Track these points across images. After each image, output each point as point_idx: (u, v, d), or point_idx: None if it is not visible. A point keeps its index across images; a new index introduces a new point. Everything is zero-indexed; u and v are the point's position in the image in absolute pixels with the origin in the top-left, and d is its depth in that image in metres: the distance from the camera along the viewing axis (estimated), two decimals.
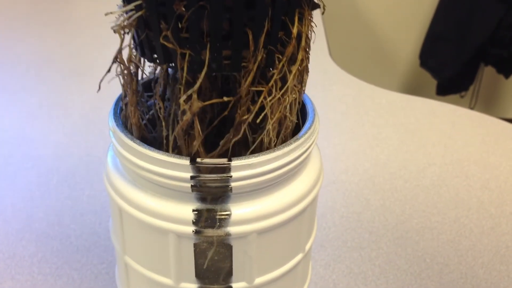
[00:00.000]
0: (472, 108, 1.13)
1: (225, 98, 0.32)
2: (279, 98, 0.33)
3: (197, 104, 0.32)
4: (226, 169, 0.32)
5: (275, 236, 0.35)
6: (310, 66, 0.35)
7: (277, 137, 0.34)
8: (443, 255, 0.55)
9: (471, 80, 1.69)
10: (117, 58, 0.33)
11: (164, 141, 0.35)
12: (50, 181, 0.63)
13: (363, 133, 0.74)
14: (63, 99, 0.81)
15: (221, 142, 0.33)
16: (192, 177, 0.32)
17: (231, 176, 0.32)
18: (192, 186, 0.32)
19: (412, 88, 1.91)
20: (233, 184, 0.32)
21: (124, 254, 0.38)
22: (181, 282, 0.36)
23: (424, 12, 1.75)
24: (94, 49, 0.98)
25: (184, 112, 0.32)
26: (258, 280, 0.36)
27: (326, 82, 0.88)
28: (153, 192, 0.34)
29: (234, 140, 0.33)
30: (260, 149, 0.34)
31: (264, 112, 0.33)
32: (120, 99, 0.38)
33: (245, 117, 0.32)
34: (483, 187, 0.65)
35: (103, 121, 0.75)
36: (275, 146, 0.34)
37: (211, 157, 0.34)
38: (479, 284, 0.52)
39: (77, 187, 0.62)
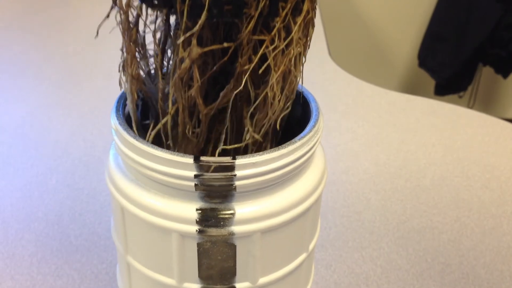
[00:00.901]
0: (470, 108, 1.12)
1: (226, 44, 0.31)
2: (283, 50, 0.31)
3: (196, 50, 0.31)
4: (230, 168, 0.31)
5: (279, 235, 0.35)
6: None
7: (281, 93, 0.33)
8: (444, 255, 0.55)
9: (469, 80, 1.69)
10: (116, 2, 0.32)
11: (160, 95, 0.34)
12: (49, 181, 0.63)
13: (363, 133, 0.74)
14: (62, 98, 0.81)
15: (222, 94, 0.32)
16: (196, 176, 0.32)
17: (235, 175, 0.32)
18: (195, 184, 0.32)
19: (410, 88, 1.92)
20: (237, 183, 0.32)
21: (126, 254, 0.38)
22: (184, 282, 0.36)
23: (423, 12, 1.75)
24: (93, 49, 0.97)
25: (182, 60, 0.31)
26: (262, 280, 0.36)
27: (325, 81, 0.88)
28: (156, 191, 0.34)
29: (235, 91, 0.32)
30: (264, 104, 0.33)
31: (267, 63, 0.32)
32: (121, 97, 0.37)
33: (246, 67, 0.31)
34: (484, 187, 0.65)
35: (103, 121, 0.75)
36: (279, 101, 0.33)
37: (210, 109, 0.33)
38: (481, 284, 0.52)
39: (77, 186, 0.62)
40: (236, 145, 0.35)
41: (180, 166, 0.32)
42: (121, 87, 0.36)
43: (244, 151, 0.37)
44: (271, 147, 0.37)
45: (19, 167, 0.65)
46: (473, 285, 0.52)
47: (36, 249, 0.54)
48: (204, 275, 0.35)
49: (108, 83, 0.85)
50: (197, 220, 0.33)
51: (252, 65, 0.31)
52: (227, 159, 0.32)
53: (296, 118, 0.40)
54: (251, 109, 0.33)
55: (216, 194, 0.33)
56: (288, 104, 0.36)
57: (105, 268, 0.52)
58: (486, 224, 0.59)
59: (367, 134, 0.74)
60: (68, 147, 0.69)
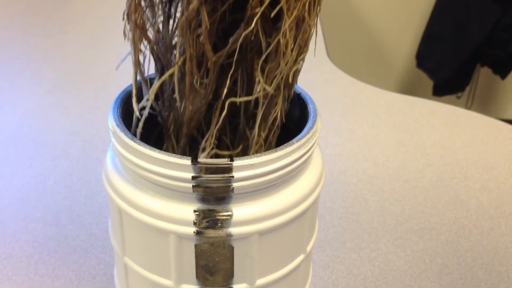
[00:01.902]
0: (468, 109, 1.12)
1: None
2: None
3: None
4: (228, 169, 0.31)
5: (277, 237, 0.35)
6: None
7: (294, 42, 0.32)
8: (442, 256, 0.55)
9: (467, 81, 1.69)
10: None
11: (164, 41, 0.32)
12: (47, 182, 0.63)
13: (361, 133, 0.74)
14: (61, 99, 0.81)
15: (231, 39, 0.31)
16: (193, 177, 0.32)
17: (233, 176, 0.32)
18: (193, 186, 0.32)
19: (408, 89, 1.92)
20: (235, 185, 0.32)
21: (124, 255, 0.38)
22: (182, 284, 0.36)
23: (421, 13, 1.76)
24: (91, 49, 0.97)
25: (190, 1, 0.29)
26: (260, 282, 0.36)
27: (324, 82, 0.88)
28: (153, 193, 0.34)
29: (245, 32, 0.30)
30: (276, 54, 0.31)
31: (279, 6, 0.30)
32: (119, 98, 0.37)
33: (258, 9, 0.30)
34: (482, 187, 0.65)
35: (100, 121, 0.75)
36: (291, 51, 0.32)
37: (219, 57, 0.31)
38: (479, 285, 0.52)
39: (74, 187, 0.62)
40: (246, 98, 0.34)
41: (178, 168, 0.32)
42: (125, 37, 0.34)
43: (244, 152, 0.37)
44: (282, 104, 0.35)
45: (17, 167, 0.65)
46: (471, 286, 0.52)
47: (33, 250, 0.53)
48: (201, 276, 0.35)
49: (107, 84, 0.85)
50: (195, 221, 0.33)
51: (264, 5, 0.30)
52: (224, 161, 0.31)
53: (294, 120, 0.40)
54: (262, 58, 0.32)
55: (213, 196, 0.33)
56: (301, 57, 0.34)
57: (102, 269, 0.52)
58: (484, 225, 0.59)
59: (365, 135, 0.74)
60: (66, 148, 0.69)
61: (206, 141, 0.35)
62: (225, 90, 0.33)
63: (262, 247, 0.35)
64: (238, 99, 0.34)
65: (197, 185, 0.32)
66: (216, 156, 0.37)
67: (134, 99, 0.35)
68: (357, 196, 0.62)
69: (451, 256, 0.55)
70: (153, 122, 0.39)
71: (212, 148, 0.36)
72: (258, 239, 0.34)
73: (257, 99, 0.35)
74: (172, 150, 0.37)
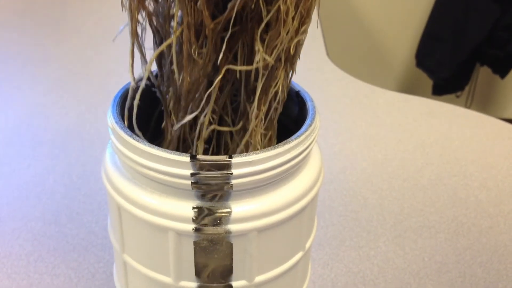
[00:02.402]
0: (468, 108, 1.12)
1: None
2: None
3: None
4: (227, 166, 0.32)
5: (276, 234, 0.35)
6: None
7: (296, 10, 0.31)
8: (441, 254, 0.55)
9: (467, 80, 1.69)
10: None
11: (163, 11, 0.32)
12: (46, 180, 0.63)
13: (360, 132, 0.74)
14: (59, 98, 0.81)
15: (229, 4, 0.31)
16: (192, 174, 0.32)
17: (231, 173, 0.32)
18: (192, 183, 0.32)
19: (408, 88, 1.92)
20: (233, 182, 0.32)
21: (123, 252, 0.38)
22: (181, 281, 0.36)
23: (421, 12, 1.76)
24: (89, 48, 0.97)
25: None
26: (258, 279, 0.36)
27: (323, 81, 0.88)
28: (152, 190, 0.34)
29: None
30: (276, 22, 0.31)
31: None
32: (118, 96, 0.37)
33: None
34: (481, 186, 0.65)
35: (100, 120, 0.75)
36: (293, 19, 0.31)
37: (217, 23, 0.30)
38: (477, 283, 0.52)
39: (74, 186, 0.62)
40: (245, 67, 0.33)
41: (177, 165, 0.32)
42: (122, 7, 0.34)
43: (244, 128, 0.35)
44: (284, 79, 0.34)
45: (16, 166, 0.65)
46: (470, 284, 0.52)
47: (33, 248, 0.53)
48: (200, 273, 0.35)
49: (106, 82, 0.85)
50: (194, 218, 0.33)
51: None
52: (223, 158, 0.32)
53: (293, 118, 0.40)
54: (262, 27, 0.31)
55: (212, 193, 0.33)
56: (303, 28, 0.33)
57: (102, 267, 0.52)
58: (483, 223, 0.59)
59: (364, 134, 0.74)
60: (65, 146, 0.69)
61: (205, 116, 0.35)
62: (222, 56, 0.32)
63: (261, 244, 0.35)
64: (238, 68, 0.33)
65: (196, 182, 0.32)
66: (216, 150, 0.36)
67: (130, 69, 0.34)
68: (356, 195, 0.63)
69: (450, 254, 0.55)
70: (148, 118, 0.40)
71: (211, 123, 0.35)
72: (257, 236, 0.34)
73: (257, 72, 0.34)
74: (171, 127, 0.36)
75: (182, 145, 0.37)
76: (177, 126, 0.36)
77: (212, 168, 0.32)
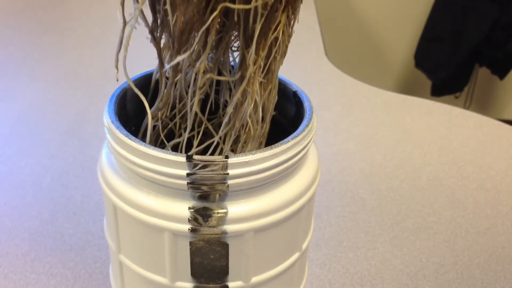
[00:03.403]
0: (466, 109, 1.11)
1: None
2: None
3: None
4: (223, 167, 0.31)
5: (272, 234, 0.35)
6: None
7: None
8: (439, 255, 0.55)
9: (465, 81, 1.69)
10: None
11: None
12: (43, 180, 0.63)
13: (359, 133, 0.74)
14: (57, 97, 0.81)
15: None
16: (188, 174, 0.31)
17: (228, 174, 0.31)
18: (188, 183, 0.32)
19: (407, 89, 1.92)
20: (230, 182, 0.32)
21: (119, 252, 0.38)
22: (177, 281, 0.36)
23: (420, 13, 1.76)
24: (88, 48, 0.97)
25: None
26: (255, 279, 0.36)
27: (322, 82, 0.87)
28: (148, 190, 0.34)
29: None
30: None
31: None
32: (115, 95, 0.37)
33: None
34: (479, 187, 0.65)
35: (97, 120, 0.75)
36: None
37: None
38: (475, 284, 0.52)
39: (71, 185, 0.62)
40: (242, 6, 0.31)
41: (173, 165, 0.32)
42: None
43: (242, 78, 0.34)
44: (285, 27, 0.32)
45: (13, 165, 0.65)
46: (468, 285, 0.52)
47: (29, 248, 0.53)
48: (196, 274, 0.35)
49: (103, 82, 0.85)
50: (190, 218, 0.33)
51: None
52: (219, 158, 0.31)
53: (290, 118, 0.40)
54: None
55: (208, 193, 0.33)
56: None
57: (99, 267, 0.52)
58: (481, 225, 0.59)
59: (363, 134, 0.74)
60: (62, 145, 0.69)
61: (201, 63, 0.33)
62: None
63: (257, 245, 0.35)
64: (235, 6, 0.31)
65: (192, 182, 0.32)
66: (214, 108, 0.34)
67: (120, 9, 0.32)
68: (354, 195, 0.62)
69: (448, 255, 0.55)
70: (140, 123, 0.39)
71: (206, 71, 0.34)
72: (253, 237, 0.34)
73: (256, 13, 0.32)
74: (165, 79, 0.35)
75: (179, 102, 0.36)
76: (168, 66, 0.34)
77: (208, 168, 0.31)
